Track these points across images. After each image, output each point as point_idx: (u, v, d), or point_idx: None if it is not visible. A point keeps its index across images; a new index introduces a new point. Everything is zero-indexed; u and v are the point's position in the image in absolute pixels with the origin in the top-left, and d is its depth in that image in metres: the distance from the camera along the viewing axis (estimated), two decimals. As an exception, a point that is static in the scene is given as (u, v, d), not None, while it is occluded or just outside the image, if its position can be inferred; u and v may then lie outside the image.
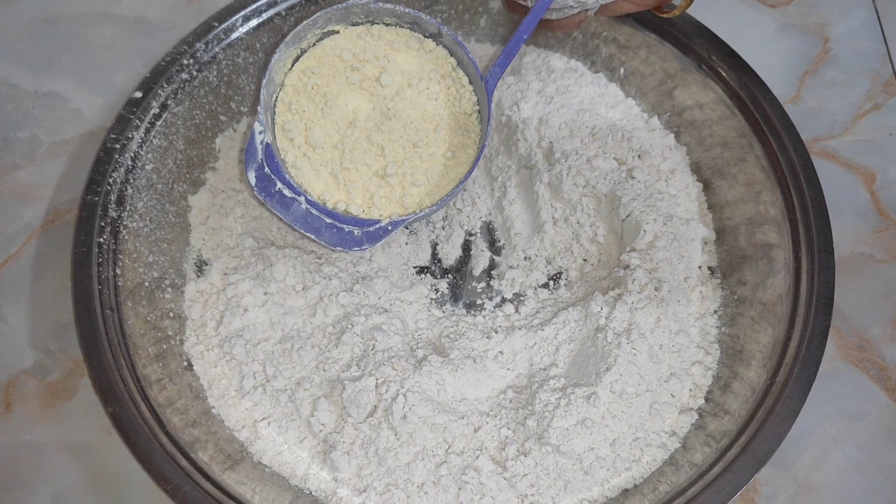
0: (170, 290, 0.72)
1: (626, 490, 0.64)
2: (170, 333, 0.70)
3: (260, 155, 0.67)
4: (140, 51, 0.87)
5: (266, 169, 0.67)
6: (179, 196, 0.75)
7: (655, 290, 0.69)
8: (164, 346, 0.69)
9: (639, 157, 0.77)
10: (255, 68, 0.80)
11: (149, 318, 0.69)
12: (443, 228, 0.78)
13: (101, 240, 0.66)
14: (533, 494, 0.63)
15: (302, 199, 0.68)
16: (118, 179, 0.69)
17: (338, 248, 0.68)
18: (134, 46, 0.88)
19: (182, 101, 0.75)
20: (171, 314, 0.71)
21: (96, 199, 0.68)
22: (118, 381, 0.61)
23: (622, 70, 0.82)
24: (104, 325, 0.63)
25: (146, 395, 0.62)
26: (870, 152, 0.85)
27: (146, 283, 0.70)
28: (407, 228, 0.77)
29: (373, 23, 0.70)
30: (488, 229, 0.79)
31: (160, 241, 0.73)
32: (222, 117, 0.79)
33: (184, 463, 0.59)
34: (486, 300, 0.75)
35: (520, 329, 0.71)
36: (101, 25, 0.90)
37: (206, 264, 0.75)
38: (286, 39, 0.67)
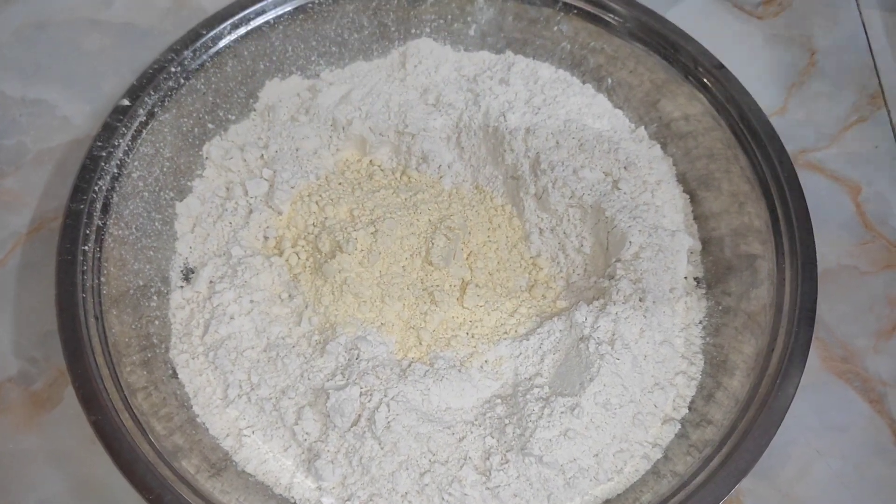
0: (155, 297, 0.72)
1: (609, 500, 0.64)
2: (155, 342, 0.70)
3: None
4: (129, 58, 0.87)
5: None
6: (166, 204, 0.75)
7: (640, 300, 0.69)
8: (149, 354, 0.68)
9: (625, 168, 0.77)
10: (244, 76, 0.80)
11: (134, 326, 0.68)
12: (429, 237, 0.78)
13: (86, 248, 0.66)
14: (516, 505, 0.63)
15: None
16: (104, 187, 0.69)
17: None
18: (122, 53, 0.88)
19: (169, 108, 0.75)
20: (157, 322, 0.71)
21: (81, 206, 0.68)
22: (101, 390, 0.61)
23: (609, 80, 0.83)
24: (88, 334, 0.63)
25: (130, 404, 0.62)
26: (855, 164, 0.86)
27: (131, 291, 0.70)
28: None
29: None
30: (475, 238, 0.79)
31: (146, 248, 0.72)
32: (210, 125, 0.79)
33: (166, 472, 0.59)
34: (472, 309, 0.75)
35: (505, 339, 0.71)
36: (90, 32, 0.90)
37: (193, 272, 0.74)
38: None
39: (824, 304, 0.76)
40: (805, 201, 0.69)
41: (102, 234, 0.68)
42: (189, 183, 0.78)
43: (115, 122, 0.71)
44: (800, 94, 0.90)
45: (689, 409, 0.68)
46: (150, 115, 0.73)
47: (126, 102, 0.72)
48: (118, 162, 0.71)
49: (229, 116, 0.80)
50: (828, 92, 0.91)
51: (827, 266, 0.79)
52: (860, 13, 0.95)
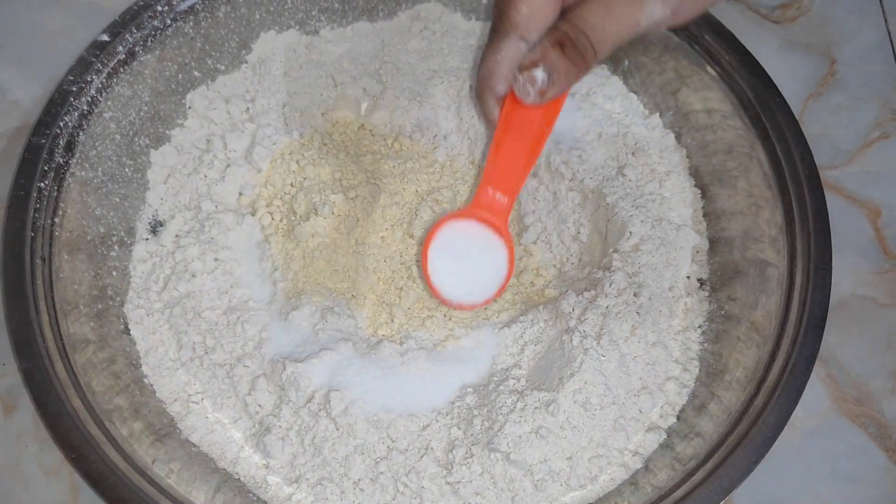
0: (117, 247, 0.67)
1: (578, 509, 0.58)
2: (110, 293, 0.65)
3: None
4: (91, 39, 0.79)
5: None
6: (140, 150, 0.70)
7: (634, 295, 0.63)
8: (101, 306, 0.64)
9: (633, 154, 0.71)
10: (237, 24, 0.75)
11: (87, 275, 0.64)
12: (417, 212, 0.73)
13: (42, 185, 0.62)
14: (477, 504, 0.58)
15: None
16: (70, 124, 0.65)
17: None
18: (85, 34, 0.77)
19: (152, 49, 0.70)
20: (115, 273, 0.66)
21: (43, 141, 0.63)
22: (37, 336, 0.56)
23: (626, 62, 0.77)
24: (32, 276, 0.59)
25: (66, 355, 0.57)
26: (876, 185, 0.77)
27: (89, 238, 0.65)
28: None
29: None
30: (466, 217, 0.74)
31: (112, 194, 0.68)
32: (196, 73, 0.74)
33: (96, 431, 0.55)
34: (454, 291, 0.70)
35: (485, 324, 0.65)
36: (52, 11, 0.83)
37: (161, 225, 0.70)
38: None
39: (836, 338, 0.68)
40: (825, 201, 0.63)
41: (63, 173, 0.63)
42: (168, 131, 0.73)
43: (90, 56, 0.67)
44: (817, 106, 0.82)
45: (678, 418, 0.63)
46: (131, 54, 0.69)
47: (105, 38, 0.68)
48: (89, 99, 0.66)
49: (218, 66, 0.75)
50: (848, 105, 0.82)
51: (841, 296, 0.71)
52: (886, 20, 0.87)
